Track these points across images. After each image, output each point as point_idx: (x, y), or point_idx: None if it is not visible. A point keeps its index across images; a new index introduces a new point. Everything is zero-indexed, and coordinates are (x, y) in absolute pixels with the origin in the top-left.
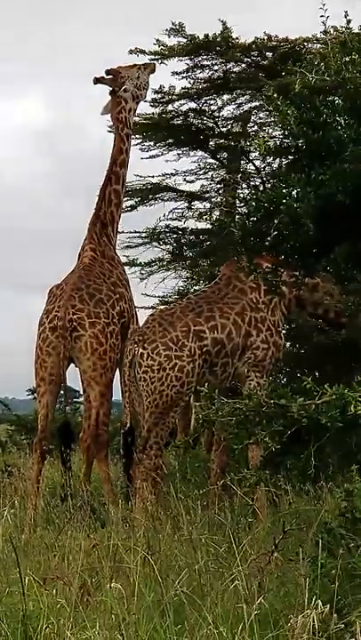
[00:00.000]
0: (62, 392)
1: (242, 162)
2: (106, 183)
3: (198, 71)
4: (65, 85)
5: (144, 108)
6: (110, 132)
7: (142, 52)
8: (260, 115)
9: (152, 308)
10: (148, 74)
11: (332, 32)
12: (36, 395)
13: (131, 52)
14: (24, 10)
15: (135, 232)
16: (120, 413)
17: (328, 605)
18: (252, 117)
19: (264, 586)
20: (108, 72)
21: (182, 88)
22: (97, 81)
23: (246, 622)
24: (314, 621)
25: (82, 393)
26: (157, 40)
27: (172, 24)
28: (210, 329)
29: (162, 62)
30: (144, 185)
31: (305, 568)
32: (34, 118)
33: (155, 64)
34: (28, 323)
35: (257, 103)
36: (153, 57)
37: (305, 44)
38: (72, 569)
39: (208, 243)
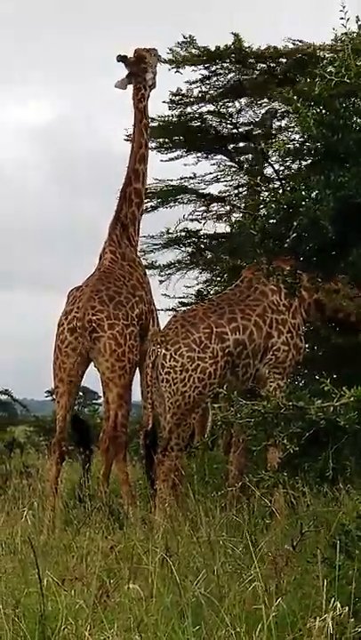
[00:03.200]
0: (81, 393)
1: (261, 165)
2: (127, 182)
3: (214, 79)
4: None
5: (162, 110)
6: (127, 139)
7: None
8: (278, 120)
9: (172, 309)
10: (156, 61)
11: (343, 37)
12: (54, 396)
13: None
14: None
15: (152, 236)
16: (139, 415)
17: (346, 608)
18: (270, 121)
19: (282, 587)
20: (135, 53)
21: (200, 91)
22: (121, 59)
23: (264, 624)
24: (331, 624)
25: (101, 394)
26: (171, 49)
27: (183, 37)
28: (232, 330)
29: (177, 71)
30: (163, 187)
31: (322, 570)
32: (37, 115)
33: (159, 53)
34: (46, 324)
35: (274, 108)
36: (168, 65)
37: (318, 50)
38: (90, 570)
39: (227, 245)
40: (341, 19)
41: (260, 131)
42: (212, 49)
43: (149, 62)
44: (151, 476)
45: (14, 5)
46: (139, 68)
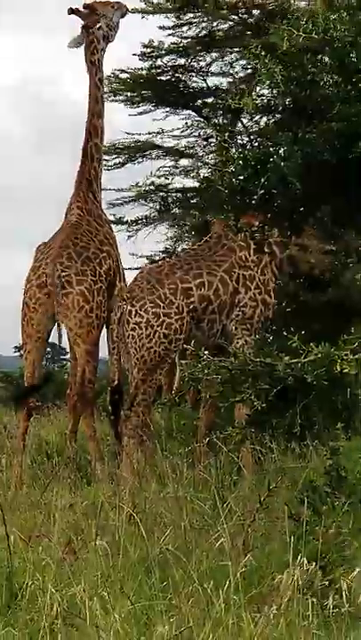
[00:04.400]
0: (49, 349)
1: (230, 120)
2: (87, 138)
3: (185, 28)
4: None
5: (133, 63)
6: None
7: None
8: (248, 72)
9: (140, 268)
10: (119, 15)
11: None
12: (22, 352)
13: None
14: None
15: (122, 189)
16: (107, 371)
17: (313, 563)
18: (240, 74)
19: (249, 543)
20: (85, 6)
21: (171, 44)
22: (72, 11)
23: (232, 580)
24: (298, 578)
25: (68, 350)
26: None
27: None
28: (197, 286)
29: (144, 17)
30: (132, 143)
31: (290, 526)
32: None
33: (127, 7)
34: (13, 280)
35: (244, 61)
36: (138, 14)
37: (292, 1)
38: (58, 526)
39: (195, 200)
40: None
41: (227, 86)
42: None
43: (103, 14)
44: (116, 432)
45: None
46: (90, 20)
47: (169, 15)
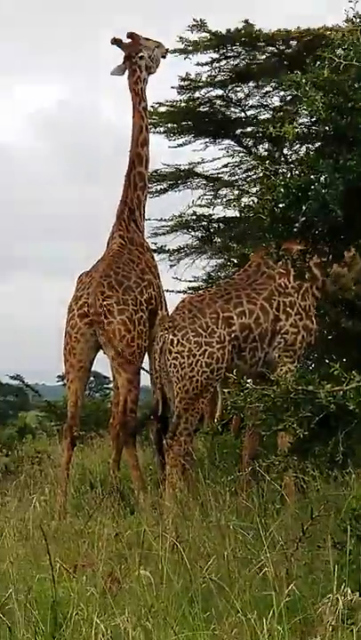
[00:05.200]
0: (92, 378)
1: (270, 148)
2: (131, 166)
3: (223, 62)
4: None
5: (171, 95)
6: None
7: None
8: (287, 102)
9: (183, 292)
10: (159, 54)
11: (356, 20)
12: (65, 381)
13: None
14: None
15: (162, 219)
16: (149, 400)
17: (356, 593)
18: (279, 104)
19: (292, 573)
20: (129, 35)
21: (208, 76)
22: (115, 42)
23: (275, 609)
24: (342, 608)
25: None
26: (180, 37)
27: (194, 20)
28: (238, 315)
29: (187, 57)
30: (172, 171)
31: (333, 555)
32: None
33: (167, 49)
34: (57, 309)
35: (282, 93)
36: (177, 54)
37: (328, 32)
38: (101, 555)
39: (236, 230)
40: (350, 0)
41: (268, 115)
42: (223, 32)
43: (145, 45)
44: (162, 461)
45: None
46: (133, 50)
47: (206, 52)
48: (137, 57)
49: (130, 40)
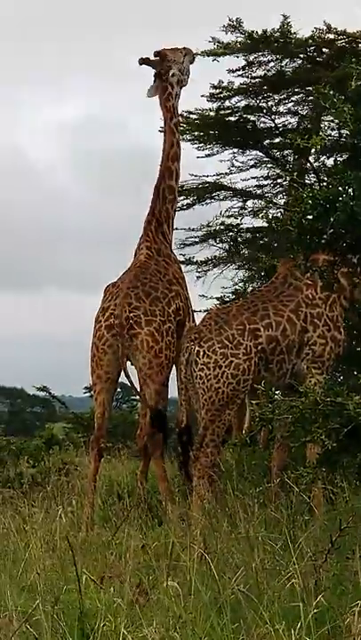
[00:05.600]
0: (119, 389)
1: (298, 159)
2: (160, 180)
3: (255, 68)
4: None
5: (200, 103)
6: (161, 131)
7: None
8: (316, 111)
9: (209, 309)
10: (189, 61)
11: None
12: (92, 392)
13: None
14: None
15: (191, 229)
16: (176, 411)
17: None
18: (308, 113)
19: (321, 584)
20: (156, 54)
21: (240, 84)
22: (143, 61)
23: (303, 621)
24: None
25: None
26: (213, 38)
27: (230, 20)
28: (264, 327)
29: (215, 60)
30: (200, 184)
31: None
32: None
33: (194, 53)
34: (83, 321)
35: (312, 99)
36: (208, 56)
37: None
38: (129, 567)
39: (264, 241)
40: None
41: (297, 124)
42: (259, 32)
43: (173, 59)
44: (186, 473)
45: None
46: (163, 67)
47: (238, 55)
48: (168, 75)
49: (158, 58)
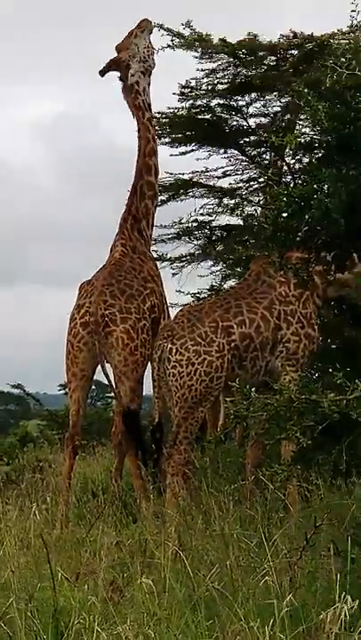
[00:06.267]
0: (94, 387)
1: (273, 157)
2: (138, 176)
3: (220, 75)
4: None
5: (172, 103)
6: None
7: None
8: (287, 113)
9: (186, 305)
10: (145, 36)
11: (359, 27)
12: (67, 390)
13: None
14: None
15: (164, 226)
16: (152, 408)
17: (358, 600)
18: (281, 114)
19: (295, 581)
20: (108, 64)
21: (209, 84)
22: (104, 72)
23: (277, 618)
24: (345, 616)
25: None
26: (187, 22)
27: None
28: (238, 324)
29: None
30: (174, 181)
31: (336, 563)
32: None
33: (149, 22)
34: (58, 318)
35: (285, 100)
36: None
37: (330, 40)
38: (103, 564)
39: (239, 237)
40: (353, 11)
41: (268, 123)
42: (225, 42)
43: (130, 55)
44: (161, 470)
45: (13, 4)
46: (121, 70)
47: (203, 59)
48: (128, 76)
49: (115, 65)
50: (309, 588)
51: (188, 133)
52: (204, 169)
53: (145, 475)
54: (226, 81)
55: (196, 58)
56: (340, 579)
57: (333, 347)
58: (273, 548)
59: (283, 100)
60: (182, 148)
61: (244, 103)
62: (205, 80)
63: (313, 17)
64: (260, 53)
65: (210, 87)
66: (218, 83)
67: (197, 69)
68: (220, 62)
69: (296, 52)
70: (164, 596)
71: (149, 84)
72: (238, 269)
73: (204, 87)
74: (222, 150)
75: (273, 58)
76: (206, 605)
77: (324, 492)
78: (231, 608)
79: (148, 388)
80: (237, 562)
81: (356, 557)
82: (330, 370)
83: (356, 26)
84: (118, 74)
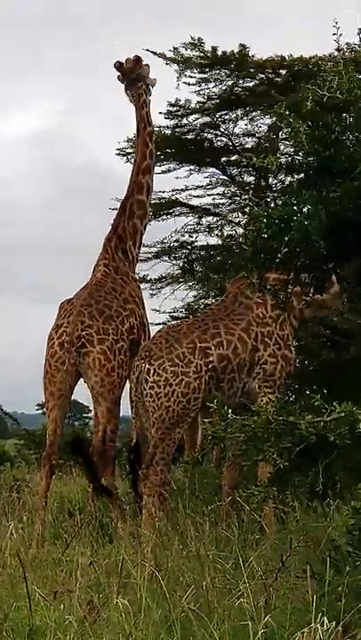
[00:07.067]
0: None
1: (255, 178)
2: (128, 194)
3: (211, 85)
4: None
5: (159, 120)
6: (120, 153)
7: (158, 54)
8: (272, 132)
9: (163, 324)
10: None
11: (345, 50)
12: (44, 409)
13: (147, 50)
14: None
15: (146, 245)
16: (129, 429)
17: (333, 622)
18: (264, 133)
19: (271, 603)
20: (135, 58)
21: (197, 102)
22: (120, 65)
23: (253, 639)
24: (320, 638)
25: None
26: (175, 48)
27: (192, 38)
28: (215, 345)
29: (167, 64)
30: (155, 199)
31: (312, 586)
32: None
33: (155, 80)
34: (38, 336)
35: (269, 120)
36: (167, 62)
37: (319, 62)
38: (79, 584)
39: (219, 258)
40: (334, 34)
41: (253, 144)
42: (219, 53)
43: (147, 71)
44: (137, 491)
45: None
46: (139, 74)
47: (195, 72)
48: (145, 79)
49: (135, 62)
50: (285, 609)
51: (168, 151)
52: (184, 187)
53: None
54: (215, 94)
55: (185, 73)
56: (315, 601)
57: (311, 369)
58: (249, 570)
59: (268, 119)
60: (163, 167)
61: (229, 118)
62: (194, 92)
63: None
64: (250, 70)
65: (199, 105)
66: (207, 99)
67: (186, 83)
68: (210, 73)
69: (285, 72)
70: (140, 616)
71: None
72: (216, 291)
73: (192, 105)
74: (203, 169)
75: (261, 76)
76: (182, 626)
77: (301, 514)
78: (207, 629)
79: (125, 409)
80: (213, 583)
81: (332, 580)
82: (307, 392)
83: (341, 49)
84: (129, 77)
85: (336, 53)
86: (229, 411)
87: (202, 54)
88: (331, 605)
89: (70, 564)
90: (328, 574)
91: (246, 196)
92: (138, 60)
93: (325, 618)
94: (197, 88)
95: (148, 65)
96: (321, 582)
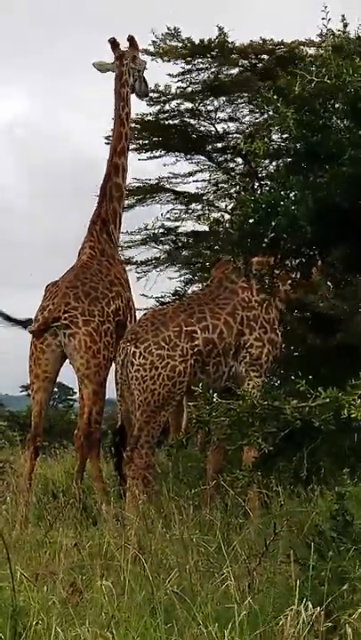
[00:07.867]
0: (57, 389)
1: (241, 164)
2: (107, 178)
3: (194, 74)
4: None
5: (141, 107)
6: (108, 143)
7: (141, 50)
8: (256, 116)
9: (150, 309)
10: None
11: (329, 35)
12: (29, 391)
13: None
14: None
15: (130, 232)
16: (114, 412)
17: (317, 607)
18: (247, 119)
19: (254, 587)
20: (129, 38)
21: (178, 88)
22: (114, 41)
23: (236, 622)
24: (303, 622)
25: (77, 390)
26: (153, 42)
27: (168, 29)
28: (201, 329)
29: (154, 59)
30: (142, 185)
31: (295, 570)
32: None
33: (145, 62)
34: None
35: (252, 106)
36: (149, 55)
37: (301, 47)
38: (62, 566)
39: (204, 243)
40: (323, 19)
41: (238, 129)
42: (196, 42)
43: (139, 57)
44: (122, 473)
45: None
46: (129, 53)
47: (178, 62)
48: (129, 59)
49: (128, 43)
50: (268, 593)
51: (155, 139)
52: (171, 174)
53: (106, 477)
54: (197, 81)
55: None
56: (298, 585)
57: (296, 354)
58: (232, 554)
59: (252, 105)
60: (149, 154)
61: (212, 108)
62: (176, 81)
63: (283, 21)
64: (232, 56)
65: (179, 90)
66: (188, 85)
67: (169, 74)
68: (192, 63)
69: (267, 57)
70: (123, 598)
71: (132, 92)
72: (203, 274)
73: (173, 90)
74: (189, 155)
75: (244, 61)
76: (165, 609)
77: (285, 498)
78: (190, 612)
79: (110, 392)
80: (196, 566)
81: (316, 565)
82: (293, 377)
83: (327, 34)
84: (117, 53)
85: (318, 39)
86: (214, 394)
87: (181, 44)
88: (314, 590)
89: (54, 546)
90: (312, 559)
91: (233, 182)
92: (131, 39)
93: (309, 602)
94: (182, 77)
95: (140, 50)
96: (304, 567)
